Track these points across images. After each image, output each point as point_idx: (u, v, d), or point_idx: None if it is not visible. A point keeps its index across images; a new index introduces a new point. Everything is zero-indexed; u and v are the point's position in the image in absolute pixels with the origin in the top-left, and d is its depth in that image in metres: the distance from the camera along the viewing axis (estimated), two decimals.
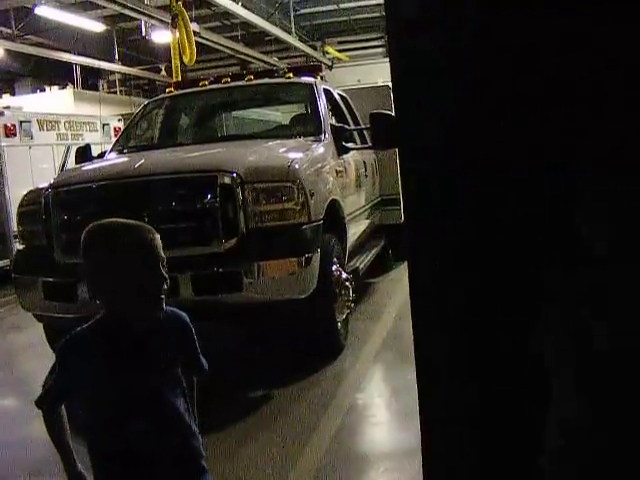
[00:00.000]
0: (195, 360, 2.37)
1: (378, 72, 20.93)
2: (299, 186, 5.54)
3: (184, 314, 2.34)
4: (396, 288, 9.13)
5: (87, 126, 14.27)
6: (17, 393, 6.17)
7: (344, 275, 6.36)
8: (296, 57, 25.02)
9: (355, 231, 7.49)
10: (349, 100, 9.19)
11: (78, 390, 2.21)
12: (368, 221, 8.58)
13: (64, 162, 13.16)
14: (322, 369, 5.81)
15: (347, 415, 4.95)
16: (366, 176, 8.55)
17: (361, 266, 7.49)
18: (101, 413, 2.20)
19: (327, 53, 26.01)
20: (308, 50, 23.74)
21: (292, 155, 6.04)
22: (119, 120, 15.35)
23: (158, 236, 2.22)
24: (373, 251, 8.56)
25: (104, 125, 14.83)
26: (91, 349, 2.18)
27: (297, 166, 5.73)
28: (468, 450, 1.86)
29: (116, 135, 14.56)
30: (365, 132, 8.72)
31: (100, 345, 2.18)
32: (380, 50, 26.30)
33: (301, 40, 23.13)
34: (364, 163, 8.47)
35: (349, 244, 6.99)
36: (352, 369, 5.94)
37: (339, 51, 26.69)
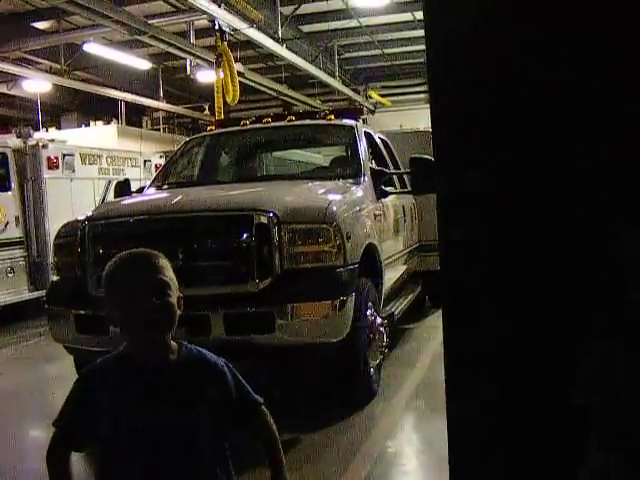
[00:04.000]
0: (233, 410, 2.20)
1: (420, 117, 21.03)
2: (335, 228, 5.48)
3: (213, 355, 2.22)
4: (431, 335, 9.00)
5: (129, 161, 14.40)
6: (42, 421, 6.12)
7: (378, 320, 6.27)
8: (339, 100, 25.15)
9: (391, 276, 7.39)
10: (390, 144, 9.16)
11: (92, 429, 2.11)
12: (405, 266, 8.48)
13: (104, 196, 13.27)
14: (353, 415, 5.69)
15: (376, 464, 4.82)
16: (404, 221, 8.47)
17: (396, 311, 7.38)
18: (115, 454, 2.10)
19: (370, 97, 26.15)
20: (351, 94, 23.87)
21: (330, 197, 5.99)
22: (160, 157, 15.48)
23: (166, 262, 2.15)
24: (409, 297, 8.46)
25: (145, 161, 14.95)
26: (107, 384, 2.10)
27: (334, 208, 5.67)
28: None
29: (157, 172, 14.72)
30: (405, 177, 8.69)
31: (118, 378, 2.11)
32: (423, 96, 26.36)
33: (344, 84, 23.27)
34: (403, 208, 8.40)
35: (385, 289, 6.90)
36: (383, 416, 5.81)
37: (382, 95, 26.81)
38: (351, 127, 7.69)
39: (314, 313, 5.40)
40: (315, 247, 5.47)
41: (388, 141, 9.17)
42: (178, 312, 2.12)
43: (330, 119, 7.94)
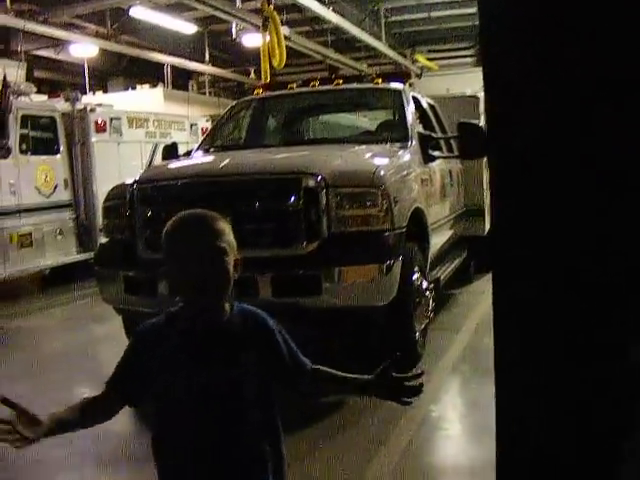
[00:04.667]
0: (283, 371, 2.20)
1: (467, 82, 20.70)
2: (383, 192, 5.46)
3: (266, 315, 2.22)
4: (476, 300, 8.97)
5: (175, 125, 14.46)
6: (92, 381, 6.23)
7: (425, 284, 6.26)
8: (385, 64, 24.91)
9: (438, 241, 7.36)
10: (437, 108, 9.07)
11: (145, 386, 2.13)
12: (451, 231, 8.43)
13: (151, 159, 13.34)
14: None
15: (419, 428, 4.85)
16: (451, 185, 8.41)
17: (442, 276, 7.36)
18: (167, 411, 2.12)
19: (417, 61, 25.85)
20: (398, 58, 23.61)
21: (378, 161, 5.97)
22: (207, 120, 15.52)
23: (226, 226, 2.13)
24: (455, 262, 8.42)
25: (192, 125, 15.00)
26: (161, 341, 2.12)
27: (382, 172, 5.65)
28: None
29: (203, 135, 14.76)
30: (452, 141, 8.61)
31: (169, 338, 2.12)
32: (470, 60, 25.99)
33: (391, 47, 23.02)
34: (450, 172, 8.34)
35: (431, 253, 6.87)
36: (428, 380, 5.81)
37: (429, 59, 26.49)
38: (399, 91, 7.63)
39: (361, 276, 5.41)
40: (363, 211, 5.46)
41: (436, 105, 9.08)
42: (234, 276, 2.12)
43: (377, 83, 7.89)
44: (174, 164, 6.72)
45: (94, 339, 8.37)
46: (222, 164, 5.92)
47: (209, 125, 15.15)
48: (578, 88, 1.67)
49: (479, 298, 9.15)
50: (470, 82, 20.48)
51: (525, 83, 1.75)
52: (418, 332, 6.07)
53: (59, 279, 11.84)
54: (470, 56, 26.11)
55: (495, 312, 1.85)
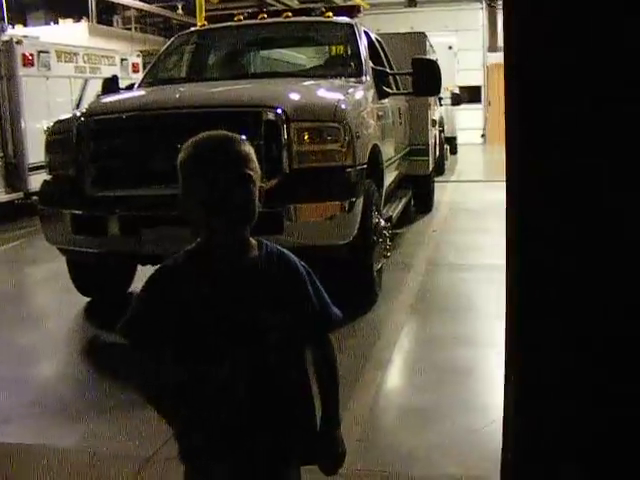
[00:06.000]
0: (310, 313, 1.98)
1: (399, 22, 20.55)
2: (346, 127, 5.27)
3: (294, 257, 2.01)
4: (422, 240, 8.95)
5: (105, 60, 13.91)
6: (31, 328, 5.98)
7: (382, 223, 6.14)
8: (316, 1, 24.44)
9: (389, 179, 7.24)
10: (384, 45, 8.87)
11: (165, 330, 1.92)
12: (398, 171, 8.31)
13: (81, 96, 12.87)
14: (358, 319, 5.59)
15: (386, 368, 4.77)
16: (400, 124, 8.28)
17: (394, 215, 7.26)
18: (189, 360, 1.93)
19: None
20: None
21: (337, 95, 5.76)
22: (138, 56, 15.00)
23: (250, 150, 1.92)
24: (403, 201, 8.35)
25: (122, 60, 14.46)
26: (180, 283, 1.91)
27: (344, 106, 5.46)
28: None
29: (134, 71, 14.27)
30: (398, 78, 8.45)
31: (190, 279, 1.92)
32: (402, 0, 25.76)
33: None
34: (399, 110, 8.20)
35: (384, 192, 6.75)
36: (387, 319, 5.74)
37: None
38: (351, 25, 7.40)
39: (322, 214, 5.25)
40: (325, 146, 5.27)
41: (382, 42, 8.88)
42: (259, 207, 1.92)
43: (328, 16, 7.63)
44: (122, 96, 6.38)
45: (31, 283, 8.05)
46: (178, 96, 5.64)
47: (140, 61, 14.67)
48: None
49: (423, 237, 9.12)
50: (401, 22, 20.35)
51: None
52: (375, 272, 5.96)
53: None
54: None
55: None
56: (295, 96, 5.53)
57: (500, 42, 26.40)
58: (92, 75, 13.01)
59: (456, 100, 18.76)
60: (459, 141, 21.92)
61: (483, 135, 27.06)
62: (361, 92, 6.31)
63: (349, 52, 7.33)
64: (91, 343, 5.53)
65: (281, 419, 1.95)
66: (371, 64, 7.12)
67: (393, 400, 4.43)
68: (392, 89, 7.95)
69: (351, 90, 6.17)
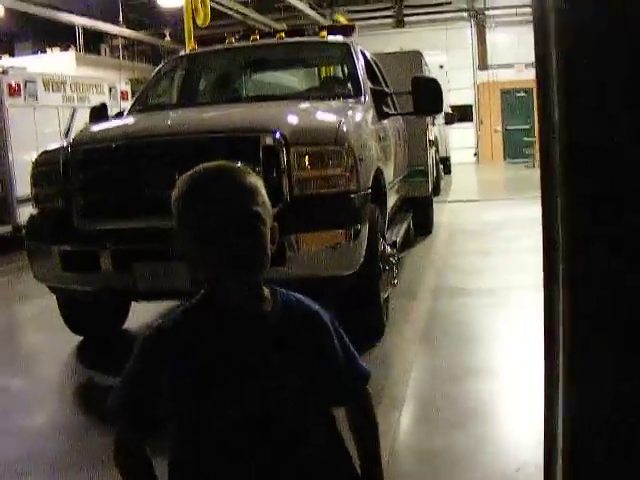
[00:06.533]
0: (334, 375, 1.69)
1: (389, 43, 20.40)
2: (349, 150, 4.98)
3: (315, 306, 1.70)
4: (424, 263, 8.70)
5: (93, 88, 13.68)
6: (21, 370, 5.66)
7: (388, 249, 5.85)
8: (307, 25, 24.37)
9: (391, 203, 6.96)
10: (379, 64, 8.62)
11: (167, 405, 1.60)
12: (398, 194, 8.04)
13: (69, 125, 12.62)
14: (366, 352, 5.27)
15: (402, 407, 4.45)
16: (400, 145, 8.01)
17: (398, 240, 6.97)
18: (198, 435, 1.59)
19: (337, 21, 25.34)
20: (318, 17, 23.13)
21: (338, 117, 5.46)
22: (126, 83, 14.76)
23: (256, 180, 1.62)
24: (405, 224, 8.07)
25: (111, 88, 14.22)
26: (184, 345, 1.59)
27: (346, 128, 5.16)
28: None
29: (123, 99, 14.03)
30: (395, 99, 8.21)
31: (193, 340, 1.60)
32: (390, 21, 25.70)
33: (311, 7, 22.51)
34: (398, 131, 7.93)
35: (387, 216, 6.47)
36: (397, 352, 5.44)
37: (349, 20, 26.02)
38: (347, 44, 7.13)
39: (326, 243, 4.94)
40: (327, 171, 4.96)
41: (377, 61, 8.63)
42: (271, 249, 1.61)
43: (323, 36, 7.36)
44: (111, 124, 6.07)
45: (21, 320, 7.73)
46: (168, 122, 5.35)
47: (129, 88, 14.44)
48: None
49: (426, 261, 8.87)
50: (391, 43, 20.19)
51: None
52: (382, 301, 5.66)
53: None
54: (390, 17, 25.82)
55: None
56: (294, 119, 5.24)
57: (490, 60, 26.37)
58: (81, 104, 12.76)
59: (449, 119, 18.57)
60: (452, 161, 21.74)
61: (476, 154, 26.94)
62: (361, 113, 6.03)
63: (346, 72, 7.08)
64: (84, 387, 5.19)
65: None
66: (369, 84, 6.86)
67: (414, 443, 4.09)
68: (390, 110, 7.70)
69: (351, 111, 5.89)
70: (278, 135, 4.88)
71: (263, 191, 1.62)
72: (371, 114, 6.31)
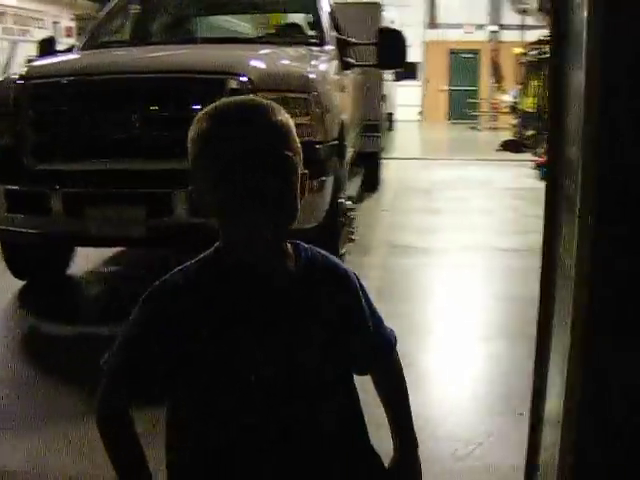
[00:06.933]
0: (362, 336, 1.55)
1: None
2: (317, 99, 4.80)
3: (342, 264, 1.58)
4: (374, 220, 8.65)
5: (36, 22, 13.12)
6: None
7: (348, 203, 5.72)
8: None
9: (349, 157, 6.80)
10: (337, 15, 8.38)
11: (172, 371, 1.43)
12: (354, 148, 7.88)
13: (9, 58, 12.12)
14: None
15: None
16: (358, 99, 7.83)
17: (354, 194, 6.84)
18: (209, 405, 1.43)
19: None
20: None
21: (304, 64, 5.27)
22: (72, 20, 14.19)
23: (287, 119, 1.43)
24: (359, 179, 7.94)
25: (55, 23, 13.67)
26: (197, 302, 1.41)
27: (314, 76, 4.98)
28: None
29: (67, 35, 13.51)
30: (353, 51, 8.00)
31: (208, 298, 1.42)
32: None
33: None
34: (357, 84, 7.74)
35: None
36: None
37: None
38: None
39: None
40: (294, 119, 4.76)
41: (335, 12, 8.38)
42: (300, 200, 1.44)
43: None
44: (66, 58, 5.74)
45: None
46: (127, 60, 5.08)
47: (74, 25, 13.92)
48: None
49: (375, 217, 8.79)
50: None
51: None
52: (340, 256, 5.53)
53: None
54: None
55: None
56: (260, 63, 5.00)
57: (439, 19, 26.23)
58: (21, 37, 12.24)
59: (399, 76, 18.39)
60: (396, 117, 21.62)
61: (420, 112, 26.90)
62: (327, 62, 5.83)
63: (311, 19, 6.84)
64: (31, 336, 4.94)
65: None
66: (335, 33, 6.64)
67: None
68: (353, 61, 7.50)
69: (317, 59, 5.68)
70: (245, 79, 4.66)
71: (295, 134, 1.43)
72: (335, 63, 6.11)
